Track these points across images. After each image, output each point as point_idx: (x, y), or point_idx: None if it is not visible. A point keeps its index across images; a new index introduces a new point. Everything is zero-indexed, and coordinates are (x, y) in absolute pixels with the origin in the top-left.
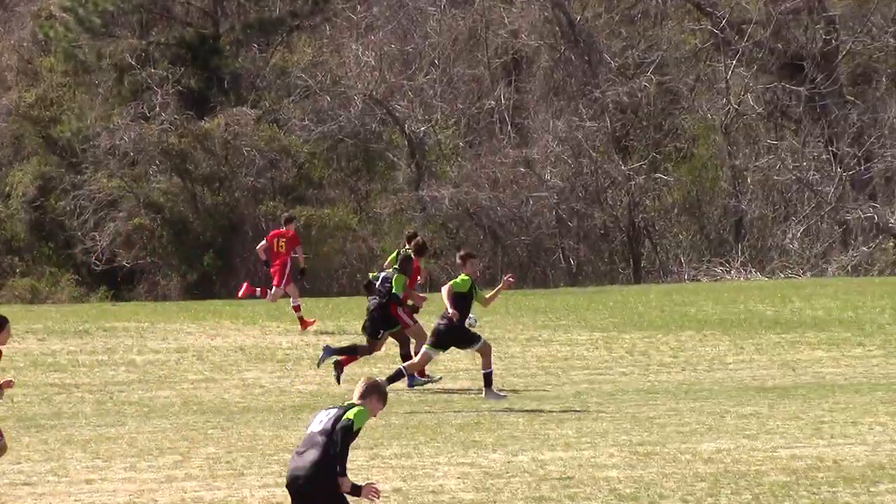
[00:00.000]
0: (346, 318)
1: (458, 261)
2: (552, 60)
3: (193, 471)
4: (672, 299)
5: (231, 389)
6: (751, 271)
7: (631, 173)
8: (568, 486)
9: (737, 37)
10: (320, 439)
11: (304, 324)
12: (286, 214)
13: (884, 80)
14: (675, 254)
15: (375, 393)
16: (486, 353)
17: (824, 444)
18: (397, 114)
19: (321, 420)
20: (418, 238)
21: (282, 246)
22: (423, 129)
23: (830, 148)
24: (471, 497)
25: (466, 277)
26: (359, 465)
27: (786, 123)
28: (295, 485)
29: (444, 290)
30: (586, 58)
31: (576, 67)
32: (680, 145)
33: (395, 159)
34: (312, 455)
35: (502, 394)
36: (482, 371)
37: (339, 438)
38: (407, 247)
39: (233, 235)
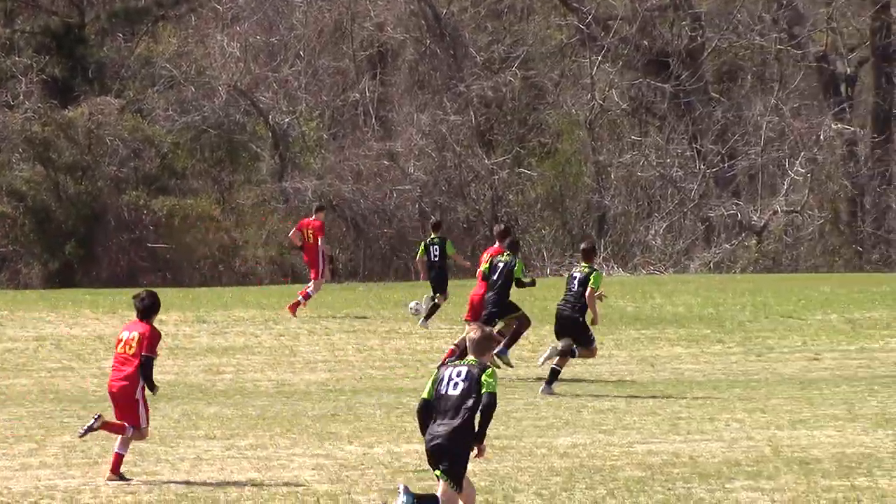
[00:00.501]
0: (206, 309)
1: (584, 254)
2: (417, 54)
3: (48, 459)
4: (533, 294)
5: (89, 378)
6: (613, 267)
7: (494, 168)
8: (423, 479)
9: (602, 33)
10: (460, 405)
11: (292, 308)
12: (317, 203)
13: (749, 77)
14: (537, 248)
15: (489, 345)
16: (587, 355)
17: (681, 440)
18: (261, 105)
19: (455, 383)
20: (501, 225)
21: (310, 237)
22: (287, 120)
23: (694, 145)
24: (325, 488)
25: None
26: (213, 454)
27: (650, 120)
28: (437, 448)
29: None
30: (451, 52)
31: (441, 61)
32: (544, 140)
33: (259, 150)
34: (455, 421)
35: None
36: (555, 367)
37: (486, 410)
38: (433, 235)
39: (95, 224)
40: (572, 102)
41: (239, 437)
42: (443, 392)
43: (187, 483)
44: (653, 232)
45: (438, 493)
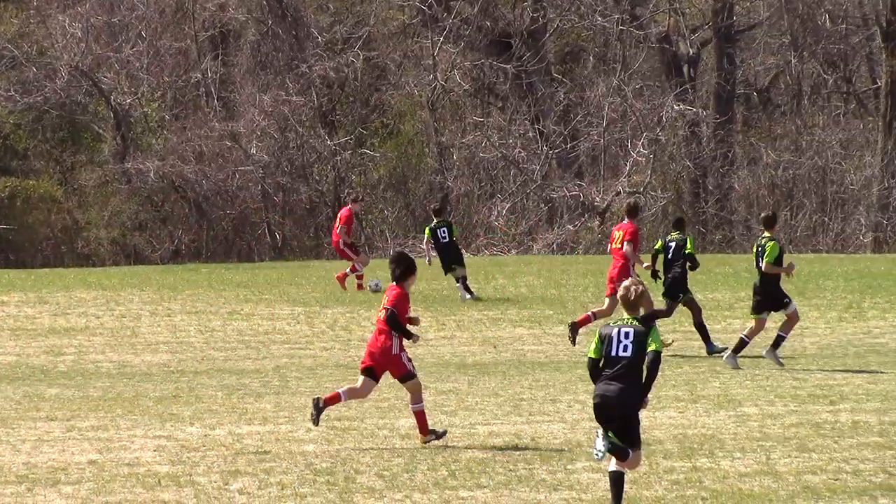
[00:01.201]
0: (47, 290)
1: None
2: (259, 34)
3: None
4: (375, 275)
5: None
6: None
7: (337, 148)
8: (264, 461)
9: (445, 13)
10: (629, 365)
11: (343, 279)
12: (353, 194)
13: (591, 58)
14: (380, 229)
15: (642, 301)
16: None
17: (522, 421)
18: (103, 86)
19: (624, 345)
20: (632, 200)
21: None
22: (129, 101)
23: (537, 126)
24: (167, 470)
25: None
26: (55, 436)
27: (492, 101)
28: (606, 406)
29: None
30: (294, 32)
31: (283, 42)
32: (387, 121)
33: (101, 131)
34: (624, 381)
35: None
36: (779, 332)
37: (652, 367)
38: (437, 219)
39: None
40: (414, 83)
41: (80, 419)
42: (613, 354)
43: (28, 464)
44: (495, 213)
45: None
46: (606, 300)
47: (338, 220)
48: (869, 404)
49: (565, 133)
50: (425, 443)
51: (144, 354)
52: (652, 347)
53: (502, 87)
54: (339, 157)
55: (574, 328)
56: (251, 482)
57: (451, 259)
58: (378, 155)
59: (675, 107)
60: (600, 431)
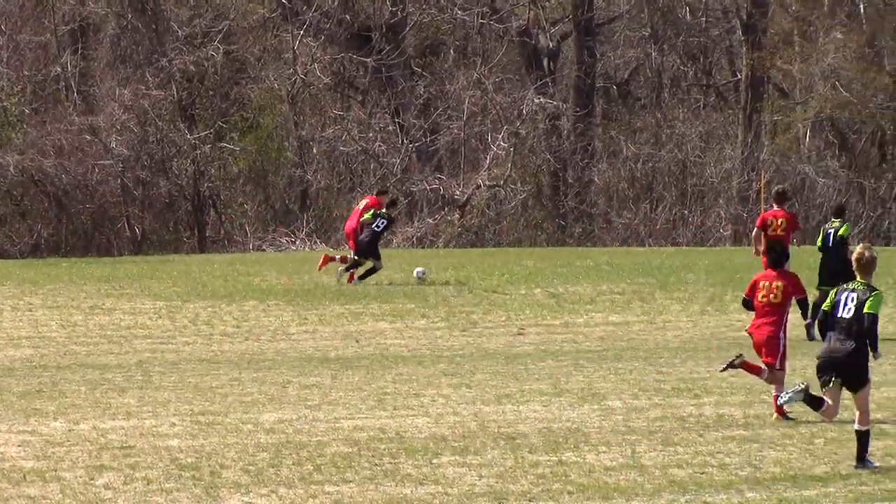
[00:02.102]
0: None
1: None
2: (119, 28)
3: None
4: (236, 269)
5: None
6: (316, 242)
7: (197, 142)
8: (129, 455)
9: (305, 7)
10: (850, 327)
11: (324, 261)
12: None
13: (451, 52)
14: (240, 223)
15: (873, 266)
16: None
17: (387, 415)
18: None
19: (848, 308)
20: (780, 187)
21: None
22: None
23: (397, 119)
24: (31, 465)
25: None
26: None
27: (352, 94)
28: (832, 362)
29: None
30: (154, 26)
31: (143, 36)
32: (246, 115)
33: None
34: (850, 343)
35: None
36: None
37: (869, 329)
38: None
39: None
40: (274, 77)
41: None
42: (838, 315)
43: None
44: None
45: (829, 400)
46: None
47: (362, 206)
48: (733, 398)
49: (425, 126)
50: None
51: (6, 349)
52: (867, 310)
53: (362, 80)
54: (198, 151)
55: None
56: (116, 477)
57: (367, 247)
58: (238, 149)
59: (536, 100)
60: (803, 384)
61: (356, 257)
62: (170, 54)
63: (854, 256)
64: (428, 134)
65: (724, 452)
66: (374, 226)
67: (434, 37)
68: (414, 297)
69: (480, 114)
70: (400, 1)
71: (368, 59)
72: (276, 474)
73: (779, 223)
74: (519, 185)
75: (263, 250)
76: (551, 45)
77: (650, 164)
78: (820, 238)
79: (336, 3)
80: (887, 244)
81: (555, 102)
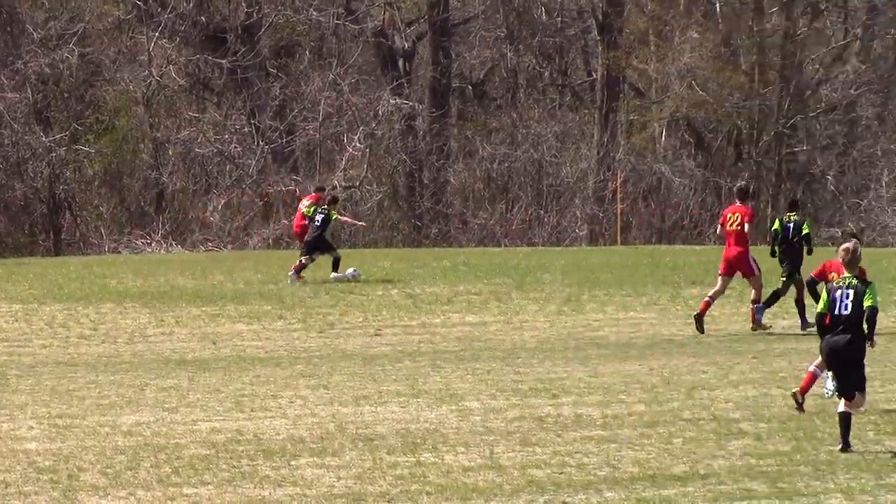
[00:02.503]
0: None
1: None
2: None
3: None
4: (92, 271)
5: None
6: (171, 244)
7: (52, 145)
8: None
9: (160, 9)
10: (850, 321)
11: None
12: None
13: (307, 53)
14: (95, 226)
15: (858, 258)
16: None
17: (245, 417)
18: None
19: (845, 304)
20: (743, 183)
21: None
22: None
23: (252, 121)
24: None
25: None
26: None
27: (208, 96)
28: (835, 354)
29: None
30: (9, 29)
31: None
32: (102, 117)
33: None
34: (848, 335)
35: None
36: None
37: (870, 319)
38: (328, 206)
39: None
40: (130, 79)
41: None
42: (836, 312)
43: None
44: (211, 208)
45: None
46: (719, 279)
47: (305, 206)
48: (591, 397)
49: (281, 128)
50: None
51: None
52: (867, 305)
53: (217, 82)
54: (53, 154)
55: (699, 319)
56: None
57: (312, 245)
58: (93, 151)
59: (391, 101)
60: (830, 374)
61: (305, 258)
62: (25, 57)
63: (845, 251)
64: (284, 135)
65: (583, 452)
66: (315, 222)
67: (289, 38)
68: (270, 298)
69: (336, 115)
70: (255, 2)
71: (224, 61)
72: (134, 477)
73: (736, 218)
74: (375, 185)
75: (119, 252)
76: (407, 46)
77: (506, 165)
78: (777, 227)
79: (191, 5)
80: None
81: (410, 103)
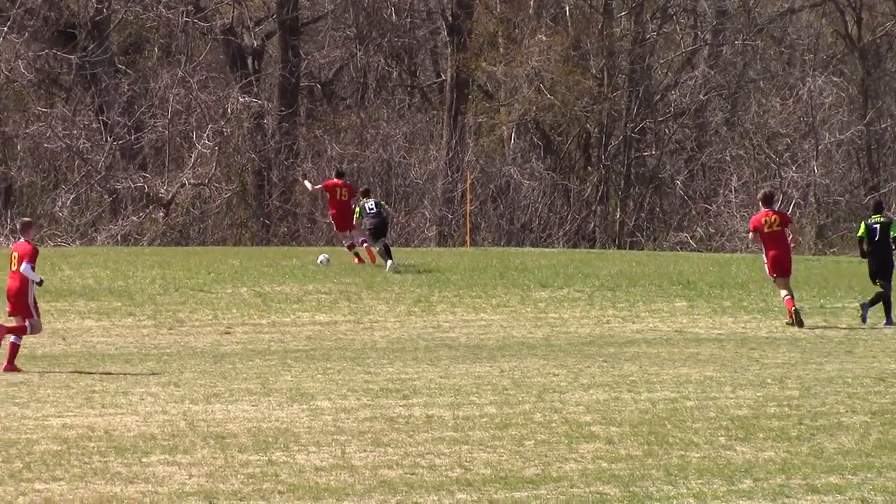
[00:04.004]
0: None
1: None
2: None
3: None
4: None
5: None
6: (20, 239)
7: None
8: None
9: (9, 3)
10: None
11: (359, 259)
12: (339, 168)
13: (156, 50)
14: None
15: None
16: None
17: (95, 413)
18: None
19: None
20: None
21: (344, 195)
22: None
23: (101, 117)
24: None
25: None
26: None
27: (57, 91)
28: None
29: None
30: None
31: None
32: None
33: None
34: None
35: None
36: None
37: None
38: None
39: None
40: None
41: None
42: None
43: None
44: (59, 204)
45: None
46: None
47: (344, 190)
48: (442, 398)
49: (129, 124)
50: None
51: None
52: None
53: (67, 77)
54: None
55: (797, 314)
56: None
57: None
58: None
59: (241, 99)
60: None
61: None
62: None
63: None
64: (132, 131)
65: (434, 453)
66: (370, 211)
67: (138, 34)
68: (120, 294)
69: (185, 112)
70: None
71: (73, 56)
72: None
73: (773, 220)
74: (224, 183)
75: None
76: (256, 44)
77: (355, 164)
78: (862, 231)
79: (40, 0)
80: (592, 246)
81: (259, 101)
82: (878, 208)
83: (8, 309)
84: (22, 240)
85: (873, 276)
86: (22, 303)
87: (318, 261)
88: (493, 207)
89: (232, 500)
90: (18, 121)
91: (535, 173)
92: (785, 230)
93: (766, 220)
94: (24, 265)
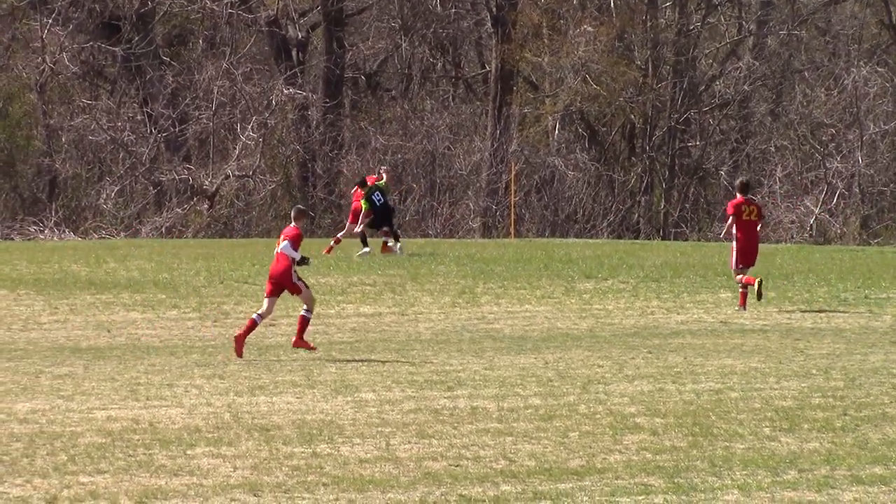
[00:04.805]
0: None
1: None
2: None
3: None
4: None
5: None
6: (64, 231)
7: None
8: None
9: None
10: None
11: (329, 249)
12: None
13: (200, 42)
14: None
15: None
16: None
17: (140, 405)
18: None
19: None
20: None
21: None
22: None
23: (145, 109)
24: None
25: None
26: None
27: (101, 83)
28: None
29: None
30: None
31: None
32: None
33: None
34: None
35: None
36: None
37: None
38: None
39: None
40: (23, 66)
41: None
42: None
43: None
44: (104, 196)
45: None
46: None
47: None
48: (486, 390)
49: (174, 116)
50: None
51: None
52: None
53: (111, 69)
54: None
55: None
56: None
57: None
58: None
59: (285, 90)
60: None
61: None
62: None
63: None
64: (177, 123)
65: (479, 445)
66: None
67: (183, 26)
68: (165, 287)
69: (229, 104)
70: None
71: (117, 49)
72: (31, 464)
73: (751, 210)
74: (268, 175)
75: (12, 239)
76: (300, 36)
77: (399, 156)
78: None
79: None
80: (636, 237)
81: (304, 93)
82: None
83: (266, 289)
84: (292, 225)
85: None
86: (287, 280)
87: (395, 251)
88: (538, 198)
89: (276, 492)
90: (63, 113)
91: (579, 164)
92: (757, 224)
93: (745, 208)
94: (284, 243)
